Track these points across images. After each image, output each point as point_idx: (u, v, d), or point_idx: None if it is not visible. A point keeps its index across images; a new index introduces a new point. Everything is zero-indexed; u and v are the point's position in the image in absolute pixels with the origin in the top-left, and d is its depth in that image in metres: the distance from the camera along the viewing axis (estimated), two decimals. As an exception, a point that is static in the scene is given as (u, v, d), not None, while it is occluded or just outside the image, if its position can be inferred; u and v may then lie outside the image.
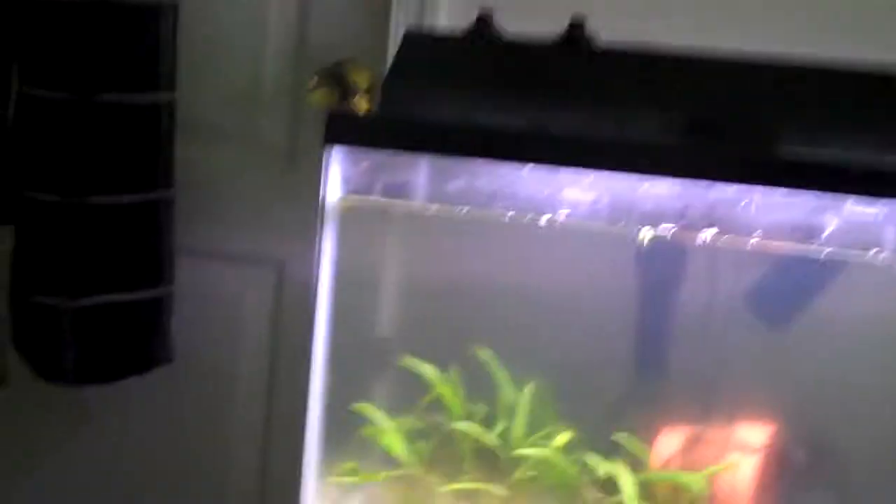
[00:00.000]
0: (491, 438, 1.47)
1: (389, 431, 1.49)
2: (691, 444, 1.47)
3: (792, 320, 1.51)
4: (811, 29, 1.73)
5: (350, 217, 1.48)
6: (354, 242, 1.52)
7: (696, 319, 1.54)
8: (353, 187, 1.48)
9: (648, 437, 1.49)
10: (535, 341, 1.55)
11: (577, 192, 1.47)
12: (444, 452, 1.50)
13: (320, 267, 1.47)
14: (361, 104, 1.94)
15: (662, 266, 1.52)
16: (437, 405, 1.52)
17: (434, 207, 1.48)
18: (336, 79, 1.95)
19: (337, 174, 1.46)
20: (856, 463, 1.52)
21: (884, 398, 1.48)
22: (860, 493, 1.51)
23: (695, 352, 1.54)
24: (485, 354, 1.52)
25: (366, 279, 1.61)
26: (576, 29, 1.52)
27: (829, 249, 1.39)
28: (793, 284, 1.50)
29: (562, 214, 1.45)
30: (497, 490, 1.45)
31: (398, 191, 1.50)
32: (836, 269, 1.45)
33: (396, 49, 1.58)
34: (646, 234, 1.42)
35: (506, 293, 1.57)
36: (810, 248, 1.40)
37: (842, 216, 1.39)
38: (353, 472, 1.49)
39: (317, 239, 1.47)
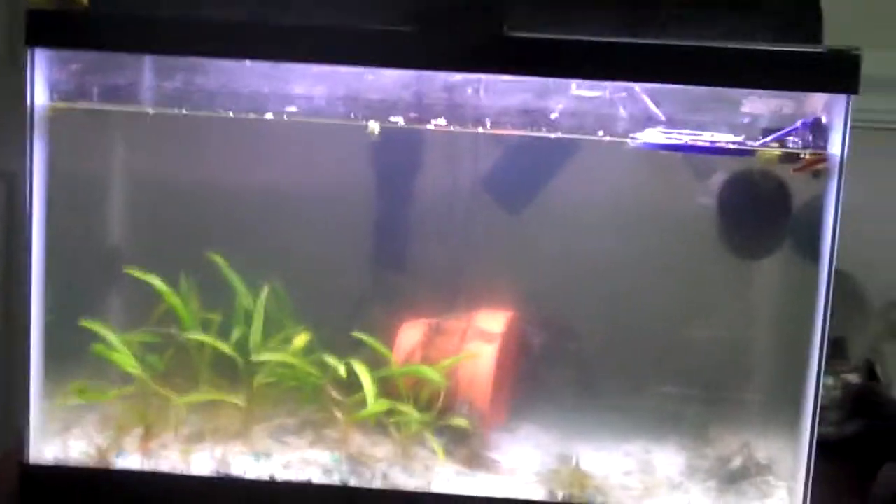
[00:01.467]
0: (226, 347, 1.42)
1: (119, 347, 1.42)
2: (432, 336, 1.46)
3: (528, 202, 1.51)
4: None
5: (63, 123, 1.38)
6: (71, 150, 1.42)
7: (432, 210, 1.53)
8: (63, 92, 1.38)
9: (390, 333, 1.47)
10: (269, 243, 1.50)
11: (304, 85, 1.42)
12: (179, 365, 1.44)
13: (34, 180, 1.37)
14: (81, 1, 1.83)
15: (395, 158, 1.49)
16: (172, 316, 1.46)
17: (152, 110, 1.41)
18: (52, -25, 1.84)
19: (44, 77, 1.37)
20: (592, 341, 1.55)
21: (616, 275, 1.51)
22: (598, 371, 1.54)
23: (433, 243, 1.53)
24: (218, 259, 1.46)
25: (87, 189, 1.52)
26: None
27: (558, 133, 1.39)
28: (527, 167, 1.49)
29: (289, 110, 1.40)
30: (235, 399, 1.42)
31: (113, 93, 1.42)
32: (568, 150, 1.45)
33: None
34: (375, 126, 1.38)
35: (236, 195, 1.51)
36: (541, 132, 1.40)
37: (568, 98, 1.40)
38: (82, 392, 1.42)
39: (27, 148, 1.37)
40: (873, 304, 1.94)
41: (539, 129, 1.40)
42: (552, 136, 1.39)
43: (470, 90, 1.40)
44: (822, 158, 1.35)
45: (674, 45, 1.31)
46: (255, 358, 1.42)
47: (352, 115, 1.40)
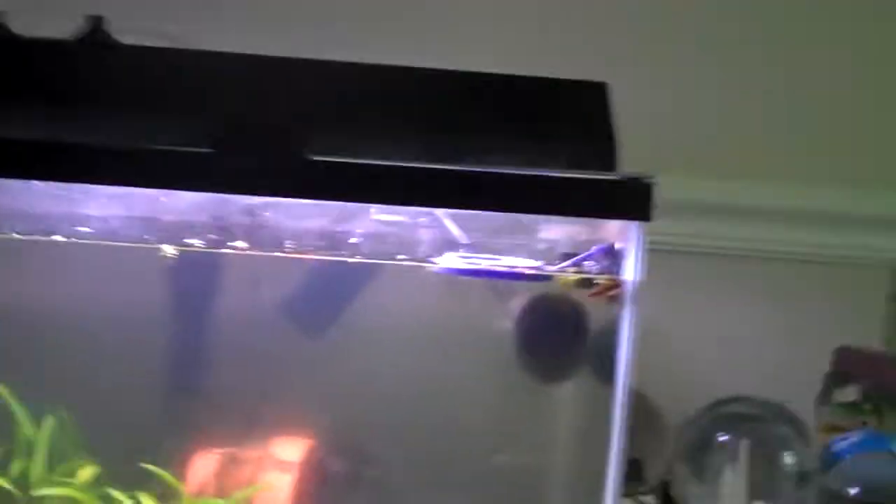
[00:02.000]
0: (5, 480, 1.34)
1: None
2: (227, 466, 1.41)
3: (328, 326, 1.50)
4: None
5: None
6: None
7: (229, 336, 1.49)
8: None
9: (183, 464, 1.42)
10: (56, 370, 1.44)
11: (97, 206, 1.38)
12: (-46, 500, 1.36)
13: None
14: None
15: (190, 282, 1.45)
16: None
17: (-69, 229, 1.34)
18: None
19: None
20: (395, 466, 1.53)
21: (416, 400, 1.50)
22: (398, 498, 1.52)
23: (229, 370, 1.48)
24: (1, 390, 1.39)
25: None
26: (95, 26, 1.42)
27: (358, 257, 1.39)
28: (327, 290, 1.48)
29: (81, 230, 1.36)
30: (14, 537, 1.34)
31: None
32: (369, 274, 1.45)
33: None
34: (168, 249, 1.35)
35: (21, 319, 1.44)
36: (340, 255, 1.39)
37: (370, 222, 1.39)
38: None
39: None
40: (669, 425, 1.98)
41: (339, 253, 1.39)
42: (351, 260, 1.39)
43: (269, 213, 1.39)
44: (617, 283, 1.38)
45: (471, 171, 1.32)
46: (35, 492, 1.35)
47: (146, 237, 1.37)
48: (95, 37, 1.41)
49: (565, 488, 1.50)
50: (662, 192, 1.33)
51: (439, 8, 1.94)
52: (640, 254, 1.36)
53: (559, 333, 1.48)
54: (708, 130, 2.03)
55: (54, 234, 1.34)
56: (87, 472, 1.35)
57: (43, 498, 1.34)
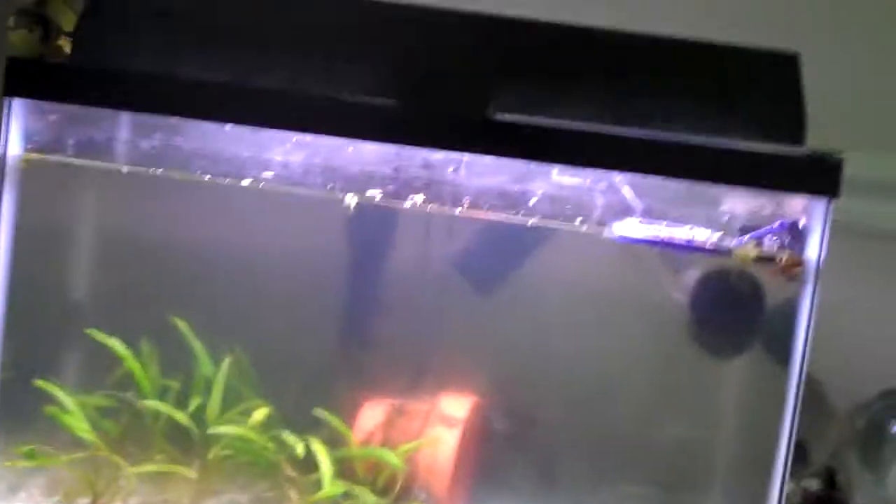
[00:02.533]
0: (183, 416, 1.38)
1: (73, 410, 1.38)
2: (394, 418, 1.43)
3: (500, 285, 1.50)
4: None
5: (34, 175, 1.36)
6: (40, 203, 1.39)
7: (403, 289, 1.50)
8: (38, 143, 1.36)
9: (352, 412, 1.44)
10: (235, 311, 1.47)
11: (282, 151, 1.40)
12: (134, 432, 1.40)
13: (0, 229, 1.34)
14: (66, 47, 1.81)
15: (370, 233, 1.47)
16: (131, 381, 1.42)
17: (126, 168, 1.38)
18: (38, 19, 1.82)
19: (19, 127, 1.34)
20: (559, 430, 1.53)
21: (584, 366, 1.49)
22: (561, 463, 1.51)
23: (401, 322, 1.50)
24: (181, 324, 1.43)
25: (52, 244, 1.49)
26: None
27: (536, 218, 1.38)
28: (501, 249, 1.48)
29: (265, 176, 1.38)
30: (187, 472, 1.37)
31: (88, 147, 1.39)
32: (544, 236, 1.44)
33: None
34: (352, 199, 1.37)
35: (205, 259, 1.47)
36: (518, 216, 1.38)
37: (549, 183, 1.39)
38: (31, 455, 1.37)
39: (-2, 199, 1.34)
40: (837, 410, 1.93)
41: (516, 214, 1.39)
42: (529, 222, 1.38)
43: (450, 168, 1.39)
44: (799, 262, 1.34)
45: (657, 138, 1.31)
46: (211, 430, 1.38)
47: (329, 187, 1.38)
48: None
49: (730, 466, 1.47)
50: (850, 169, 1.30)
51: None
52: (824, 232, 1.32)
53: (735, 309, 1.45)
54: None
55: (241, 177, 1.37)
56: (260, 414, 1.38)
57: (217, 435, 1.38)
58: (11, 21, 1.76)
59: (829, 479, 1.79)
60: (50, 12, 1.78)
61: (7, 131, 1.33)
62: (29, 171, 1.35)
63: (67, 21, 1.78)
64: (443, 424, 1.43)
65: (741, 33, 1.38)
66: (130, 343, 1.42)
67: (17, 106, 1.33)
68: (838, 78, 1.72)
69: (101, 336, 1.42)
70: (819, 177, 1.31)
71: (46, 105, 1.36)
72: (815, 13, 1.90)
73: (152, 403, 1.40)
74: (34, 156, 1.35)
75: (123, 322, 1.44)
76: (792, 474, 1.68)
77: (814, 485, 1.77)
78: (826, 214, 1.32)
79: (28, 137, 1.35)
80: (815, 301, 1.32)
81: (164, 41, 1.36)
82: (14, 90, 1.32)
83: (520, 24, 1.39)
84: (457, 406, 1.45)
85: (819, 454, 1.86)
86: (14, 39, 1.77)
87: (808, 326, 1.32)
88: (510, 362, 1.49)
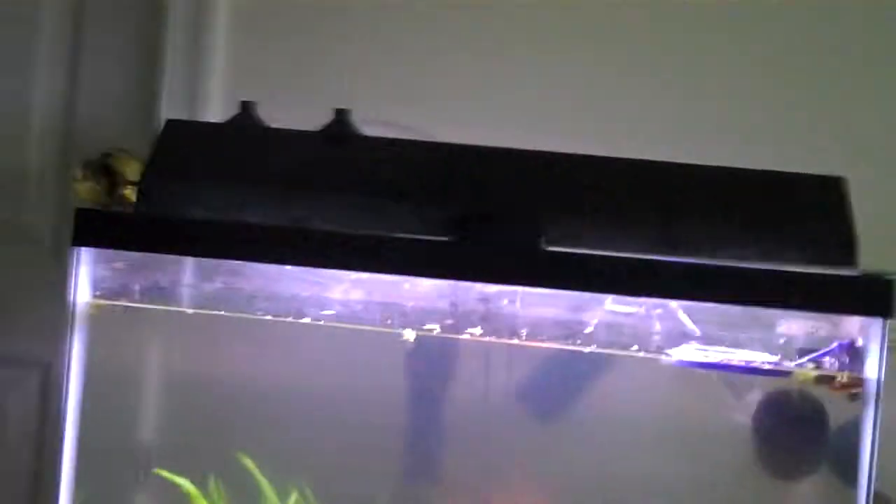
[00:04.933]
0: (251, 553, 1.41)
1: (145, 548, 1.41)
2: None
3: (561, 414, 1.50)
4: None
5: (102, 320, 1.40)
6: (108, 347, 1.43)
7: (465, 419, 1.52)
8: (105, 289, 1.40)
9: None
10: (299, 446, 1.49)
11: (342, 290, 1.43)
12: (205, 570, 1.42)
13: (70, 374, 1.38)
14: (131, 196, 1.88)
15: (427, 366, 1.49)
16: (200, 518, 1.45)
17: (190, 311, 1.42)
18: (104, 170, 1.89)
19: (88, 274, 1.39)
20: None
21: (652, 492, 1.48)
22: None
23: (464, 452, 1.51)
24: (247, 461, 1.45)
25: (121, 386, 1.53)
26: (341, 118, 1.49)
27: (592, 347, 1.39)
28: (561, 378, 1.49)
29: (325, 314, 1.42)
30: None
31: (154, 292, 1.44)
32: (603, 364, 1.45)
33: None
34: (410, 333, 1.39)
35: (269, 397, 1.51)
36: (575, 345, 1.40)
37: (604, 313, 1.40)
38: None
39: (67, 345, 1.38)
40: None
41: (573, 342, 1.40)
42: (585, 349, 1.40)
43: (506, 301, 1.41)
44: (858, 380, 1.34)
45: (709, 264, 1.33)
46: (280, 566, 1.40)
47: (388, 322, 1.41)
48: (340, 128, 1.48)
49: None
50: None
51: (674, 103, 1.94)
52: (882, 350, 1.32)
53: (798, 430, 1.45)
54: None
55: (302, 315, 1.40)
56: (326, 548, 1.40)
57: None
58: (79, 173, 1.84)
59: None
60: (115, 163, 1.86)
61: (76, 278, 1.38)
62: (97, 316, 1.40)
63: (132, 171, 1.86)
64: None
65: (788, 162, 1.41)
66: (199, 482, 1.46)
67: (86, 254, 1.39)
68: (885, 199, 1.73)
69: (169, 475, 1.45)
70: (871, 297, 1.31)
71: (113, 253, 1.42)
72: (864, 137, 1.91)
73: (222, 540, 1.42)
74: (102, 301, 1.40)
75: (192, 461, 1.47)
76: None
77: None
78: (883, 333, 1.32)
79: (96, 284, 1.40)
80: (878, 419, 1.31)
81: (224, 188, 1.41)
82: (83, 240, 1.38)
83: (565, 157, 1.42)
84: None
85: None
86: (81, 190, 1.84)
87: (873, 444, 1.31)
88: (575, 490, 1.49)
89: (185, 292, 1.44)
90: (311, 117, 1.48)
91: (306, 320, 1.40)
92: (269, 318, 1.40)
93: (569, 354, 1.41)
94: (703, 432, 1.46)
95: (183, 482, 1.43)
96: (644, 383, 1.43)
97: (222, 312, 1.41)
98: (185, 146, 1.47)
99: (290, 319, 1.40)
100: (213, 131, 1.55)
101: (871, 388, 1.32)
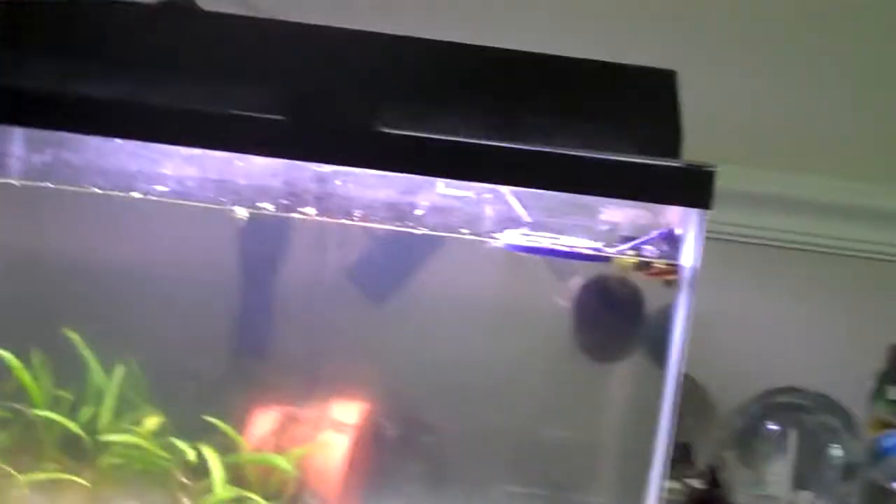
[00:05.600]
0: (75, 426, 1.40)
1: (-36, 420, 1.39)
2: (286, 424, 1.46)
3: (390, 294, 1.53)
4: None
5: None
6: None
7: (296, 298, 1.53)
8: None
9: (244, 419, 1.47)
10: (127, 322, 1.48)
11: (174, 166, 1.42)
12: (26, 442, 1.41)
13: None
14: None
15: (259, 245, 1.50)
16: (23, 392, 1.43)
17: (18, 182, 1.39)
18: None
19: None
20: (448, 435, 1.56)
21: (475, 371, 1.53)
22: (449, 466, 1.55)
23: (294, 331, 1.53)
24: (73, 335, 1.44)
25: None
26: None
27: (422, 229, 1.42)
28: (391, 259, 1.51)
29: (157, 189, 1.41)
30: (80, 480, 1.39)
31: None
32: (432, 246, 1.48)
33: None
34: (242, 211, 1.39)
35: (97, 272, 1.49)
36: (406, 227, 1.42)
37: (436, 195, 1.43)
38: (-81, 464, 1.38)
39: None
40: (719, 412, 2.00)
41: (404, 224, 1.42)
42: (417, 231, 1.42)
43: (339, 181, 1.42)
44: (674, 268, 1.40)
45: (535, 150, 1.35)
46: (103, 438, 1.40)
47: (220, 199, 1.41)
48: (180, 2, 1.46)
49: (613, 467, 1.52)
50: (722, 182, 1.36)
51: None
52: (698, 241, 1.38)
53: (615, 314, 1.51)
54: (771, 122, 2.04)
55: (132, 190, 1.39)
56: (152, 422, 1.41)
57: (109, 443, 1.40)
58: None
59: (713, 477, 1.86)
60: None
61: None
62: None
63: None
64: (333, 430, 1.46)
65: (622, 53, 1.45)
66: (22, 355, 1.44)
67: None
68: (714, 95, 1.80)
69: (-9, 347, 1.43)
70: (692, 188, 1.36)
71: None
72: (693, 32, 1.97)
73: (43, 413, 1.41)
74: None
75: (15, 334, 1.45)
76: (676, 474, 1.76)
77: (698, 483, 1.84)
78: (699, 224, 1.38)
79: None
80: (690, 305, 1.37)
81: (56, 60, 1.38)
82: None
83: (404, 41, 1.42)
84: (347, 412, 1.49)
85: (703, 454, 1.93)
86: None
87: (684, 329, 1.37)
88: (400, 369, 1.52)
89: (14, 164, 1.41)
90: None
91: (136, 194, 1.39)
92: (98, 191, 1.39)
93: (399, 235, 1.43)
94: (526, 314, 1.51)
95: (4, 354, 1.42)
96: (471, 265, 1.47)
97: (50, 185, 1.38)
98: (14, 17, 1.42)
99: (120, 193, 1.39)
100: (44, 4, 1.50)
101: (687, 276, 1.39)
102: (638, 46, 1.54)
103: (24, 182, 1.39)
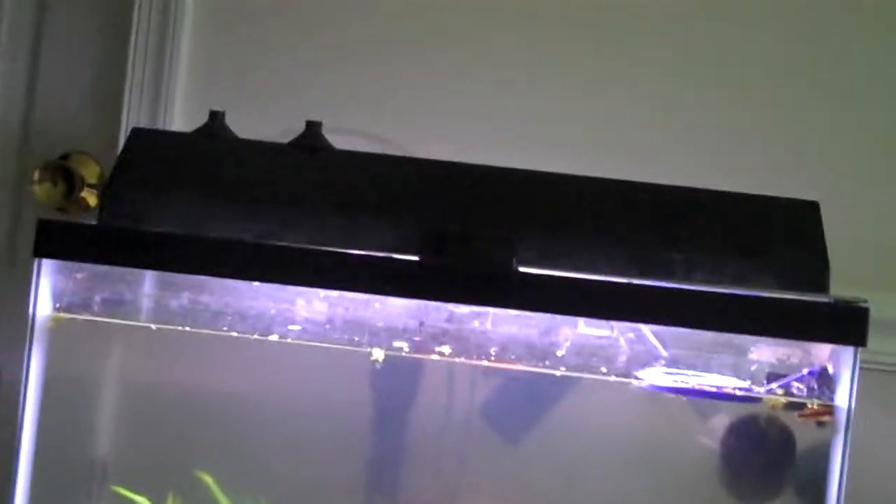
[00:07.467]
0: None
1: (101, 569, 1.37)
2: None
3: (527, 434, 1.49)
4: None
5: (63, 333, 1.37)
6: (68, 360, 1.40)
7: (431, 439, 1.50)
8: (67, 302, 1.37)
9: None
10: (261, 464, 1.47)
11: (309, 307, 1.41)
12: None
13: (27, 388, 1.35)
14: (90, 199, 1.84)
15: (396, 384, 1.47)
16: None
17: (154, 325, 1.39)
18: (62, 172, 1.85)
19: (49, 286, 1.35)
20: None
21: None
22: None
23: (428, 472, 1.49)
24: (206, 478, 1.43)
25: (80, 400, 1.49)
26: (311, 132, 1.47)
27: (561, 369, 1.38)
28: (528, 399, 1.47)
29: (292, 331, 1.39)
30: None
31: (117, 306, 1.41)
32: (572, 385, 1.44)
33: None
34: (378, 352, 1.37)
35: (231, 414, 1.48)
36: (544, 367, 1.38)
37: (575, 335, 1.39)
38: None
39: (25, 357, 1.35)
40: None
41: (543, 365, 1.39)
42: (557, 373, 1.38)
43: (476, 322, 1.40)
44: (828, 408, 1.33)
45: (682, 288, 1.32)
46: (239, 586, 1.37)
47: (355, 340, 1.39)
48: (311, 141, 1.46)
49: None
50: (875, 312, 1.30)
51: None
52: (853, 378, 1.31)
53: (766, 456, 1.44)
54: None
55: (268, 332, 1.38)
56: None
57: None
58: (36, 175, 1.80)
59: None
60: (74, 165, 1.82)
61: (37, 291, 1.34)
62: (57, 330, 1.37)
63: (91, 173, 1.82)
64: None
65: (763, 185, 1.41)
66: (157, 499, 1.43)
67: (48, 265, 1.35)
68: (859, 223, 1.74)
69: (126, 492, 1.42)
70: (844, 325, 1.31)
71: (75, 265, 1.38)
72: (834, 160, 1.91)
73: (181, 560, 1.39)
74: (63, 315, 1.37)
75: (150, 478, 1.44)
76: None
77: None
78: (854, 361, 1.32)
79: (57, 297, 1.37)
80: (846, 446, 1.31)
81: (190, 201, 1.38)
82: (45, 251, 1.34)
83: (539, 176, 1.41)
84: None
85: None
86: (38, 192, 1.80)
87: (842, 473, 1.31)
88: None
89: (149, 306, 1.41)
90: (275, 124, 1.46)
91: (273, 337, 1.38)
92: (233, 334, 1.38)
93: (536, 375, 1.40)
94: (670, 456, 1.46)
95: (140, 500, 1.41)
96: (612, 406, 1.42)
97: (187, 329, 1.38)
98: (151, 156, 1.44)
99: (255, 337, 1.38)
100: (180, 141, 1.52)
101: (841, 416, 1.32)
102: (777, 176, 1.50)
103: (160, 325, 1.39)
